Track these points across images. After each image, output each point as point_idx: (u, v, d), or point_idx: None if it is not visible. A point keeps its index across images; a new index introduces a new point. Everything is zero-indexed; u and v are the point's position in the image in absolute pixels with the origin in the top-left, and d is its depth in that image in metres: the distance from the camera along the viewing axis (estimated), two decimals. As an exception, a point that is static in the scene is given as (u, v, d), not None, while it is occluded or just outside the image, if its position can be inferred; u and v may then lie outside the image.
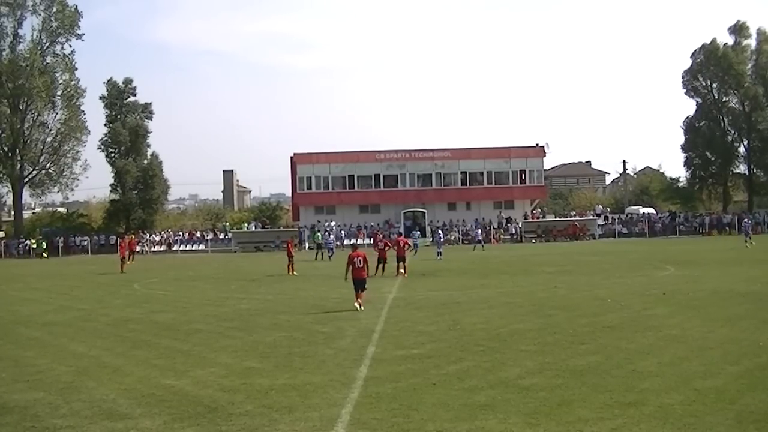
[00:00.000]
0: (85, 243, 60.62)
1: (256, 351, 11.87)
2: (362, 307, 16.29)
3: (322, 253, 40.61)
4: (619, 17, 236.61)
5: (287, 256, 30.51)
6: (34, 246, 59.47)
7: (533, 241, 56.84)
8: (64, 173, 64.82)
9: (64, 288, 26.86)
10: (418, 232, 46.90)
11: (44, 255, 56.35)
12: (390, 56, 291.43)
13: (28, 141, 63.17)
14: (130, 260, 35.91)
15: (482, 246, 46.90)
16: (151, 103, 66.92)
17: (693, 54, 65.88)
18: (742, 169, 67.69)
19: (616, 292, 18.80)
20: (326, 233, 49.48)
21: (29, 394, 9.26)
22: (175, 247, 59.92)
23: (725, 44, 64.47)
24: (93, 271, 36.89)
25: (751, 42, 64.70)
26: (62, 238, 60.91)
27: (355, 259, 16.69)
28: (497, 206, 62.06)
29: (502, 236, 58.06)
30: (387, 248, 28.47)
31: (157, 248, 59.83)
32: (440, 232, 44.28)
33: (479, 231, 51.14)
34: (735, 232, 55.22)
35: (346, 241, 52.05)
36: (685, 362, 9.96)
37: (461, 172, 62.49)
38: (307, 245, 53.40)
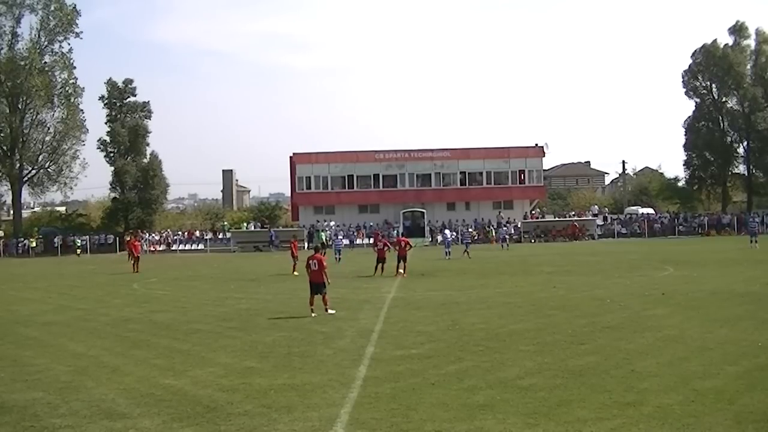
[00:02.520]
0: (84, 243, 60.64)
1: (255, 351, 11.87)
2: (318, 312, 15.54)
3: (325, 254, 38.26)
4: (619, 17, 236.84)
5: (291, 257, 30.46)
6: (33, 245, 59.57)
7: (532, 241, 56.84)
8: (63, 172, 64.95)
9: (64, 288, 26.86)
10: (449, 231, 44.48)
11: (78, 253, 56.42)
12: (390, 56, 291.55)
13: (27, 140, 63.24)
14: (130, 261, 35.87)
15: (507, 245, 46.53)
16: (149, 102, 66.88)
17: (693, 54, 65.97)
18: (742, 169, 67.80)
19: (615, 293, 18.81)
20: (335, 234, 47.93)
21: (28, 393, 9.26)
22: (174, 247, 59.97)
23: (725, 45, 64.50)
24: (92, 271, 36.91)
25: (751, 42, 64.79)
26: (61, 238, 60.94)
27: (310, 261, 16.23)
28: (496, 206, 62.05)
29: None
30: (386, 248, 28.46)
31: (155, 248, 59.85)
32: (447, 231, 43.83)
33: (505, 229, 50.50)
34: (734, 232, 55.33)
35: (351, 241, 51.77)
36: (684, 362, 9.97)
37: (460, 172, 62.50)
38: (306, 245, 53.38)
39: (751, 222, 44.41)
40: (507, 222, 58.07)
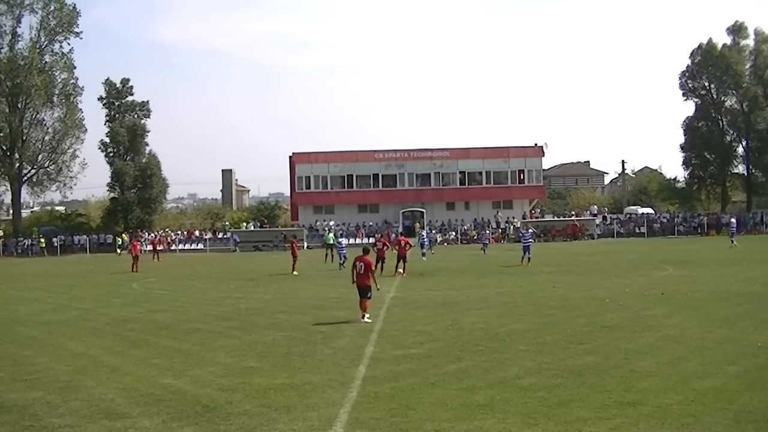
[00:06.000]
0: (84, 242, 60.64)
1: (254, 350, 11.87)
2: (368, 319, 14.59)
3: (331, 256, 35.24)
4: (618, 18, 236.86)
5: (291, 255, 30.50)
6: (41, 245, 59.47)
7: (532, 240, 56.67)
8: (63, 172, 64.99)
9: (63, 287, 26.84)
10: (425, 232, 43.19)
11: (118, 251, 56.24)
12: (390, 56, 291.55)
13: (27, 139, 63.24)
14: (154, 259, 35.94)
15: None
16: (147, 101, 66.95)
17: (691, 54, 65.93)
18: (741, 169, 67.80)
19: (614, 292, 18.80)
20: (339, 235, 45.91)
21: (27, 393, 9.25)
22: (174, 247, 59.89)
23: (723, 44, 64.45)
24: (92, 270, 36.89)
25: (749, 42, 64.78)
26: (61, 237, 60.90)
27: (357, 264, 15.32)
28: (496, 206, 62.09)
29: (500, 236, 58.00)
30: (386, 248, 28.43)
31: (163, 245, 59.66)
32: (424, 232, 42.69)
33: (529, 231, 39.22)
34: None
35: (345, 241, 51.25)
36: (684, 362, 9.96)
37: (460, 172, 62.52)
38: (306, 244, 53.41)
39: (732, 222, 44.88)
40: (507, 221, 57.88)
